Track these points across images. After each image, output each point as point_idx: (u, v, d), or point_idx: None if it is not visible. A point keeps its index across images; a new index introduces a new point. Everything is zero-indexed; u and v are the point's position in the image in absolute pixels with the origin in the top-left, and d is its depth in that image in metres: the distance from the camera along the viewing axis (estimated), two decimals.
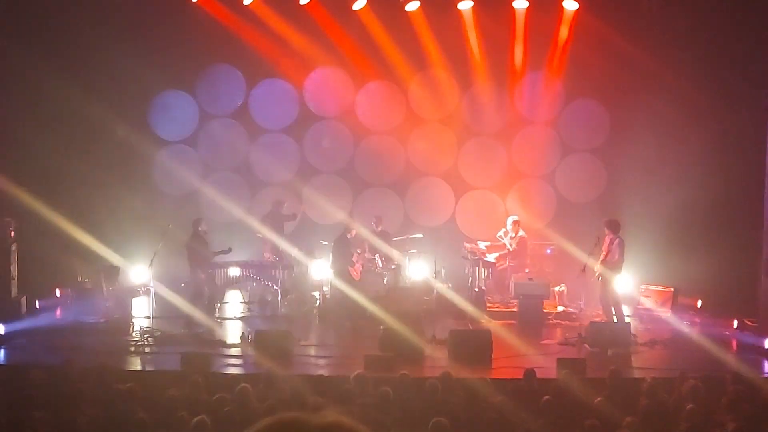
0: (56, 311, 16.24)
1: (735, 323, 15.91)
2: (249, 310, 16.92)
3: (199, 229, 15.95)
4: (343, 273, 16.45)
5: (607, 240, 15.29)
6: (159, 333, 14.54)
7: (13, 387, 10.56)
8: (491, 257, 17.76)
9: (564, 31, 18.76)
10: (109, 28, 18.27)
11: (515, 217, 17.85)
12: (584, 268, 15.21)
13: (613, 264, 15.16)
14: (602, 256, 15.16)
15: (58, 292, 16.75)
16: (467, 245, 17.96)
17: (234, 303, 17.39)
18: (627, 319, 15.75)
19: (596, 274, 15.24)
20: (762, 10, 16.76)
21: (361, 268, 16.85)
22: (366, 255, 17.60)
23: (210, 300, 15.86)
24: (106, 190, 18.29)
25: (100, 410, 9.43)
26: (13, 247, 15.78)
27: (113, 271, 16.94)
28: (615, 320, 15.17)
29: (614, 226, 15.34)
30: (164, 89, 19.47)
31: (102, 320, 15.44)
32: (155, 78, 18.82)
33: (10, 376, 11.51)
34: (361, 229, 17.27)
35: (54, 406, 9.55)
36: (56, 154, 17.70)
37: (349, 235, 16.83)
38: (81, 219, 16.67)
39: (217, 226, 18.71)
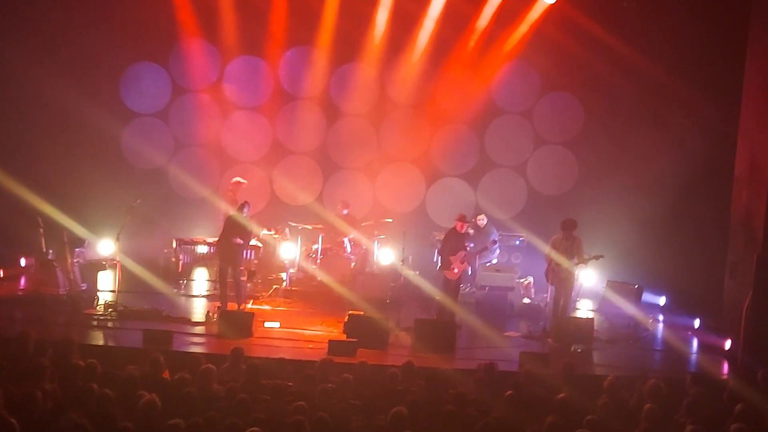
0: (20, 281, 16.04)
1: (697, 323, 16.02)
2: (215, 288, 16.70)
3: None
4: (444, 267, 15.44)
5: (567, 240, 15.07)
6: (122, 308, 14.41)
7: None
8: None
9: (542, 23, 18.67)
10: None
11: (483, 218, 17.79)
12: (550, 263, 15.13)
13: (577, 262, 15.08)
14: (567, 255, 14.97)
15: (23, 262, 16.52)
16: (436, 233, 17.89)
17: (200, 281, 17.24)
18: (590, 315, 15.84)
19: (567, 272, 15.08)
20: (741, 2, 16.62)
21: (457, 269, 15.16)
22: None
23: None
24: (73, 161, 18.11)
25: (57, 385, 9.29)
26: None
27: (78, 243, 16.70)
28: (556, 309, 15.07)
29: (570, 226, 15.16)
30: (136, 61, 19.20)
31: (63, 292, 15.24)
32: (127, 50, 18.62)
33: None
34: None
35: (11, 380, 9.39)
36: (23, 124, 17.50)
37: (461, 230, 15.37)
38: (47, 190, 16.45)
39: (184, 202, 18.60)
